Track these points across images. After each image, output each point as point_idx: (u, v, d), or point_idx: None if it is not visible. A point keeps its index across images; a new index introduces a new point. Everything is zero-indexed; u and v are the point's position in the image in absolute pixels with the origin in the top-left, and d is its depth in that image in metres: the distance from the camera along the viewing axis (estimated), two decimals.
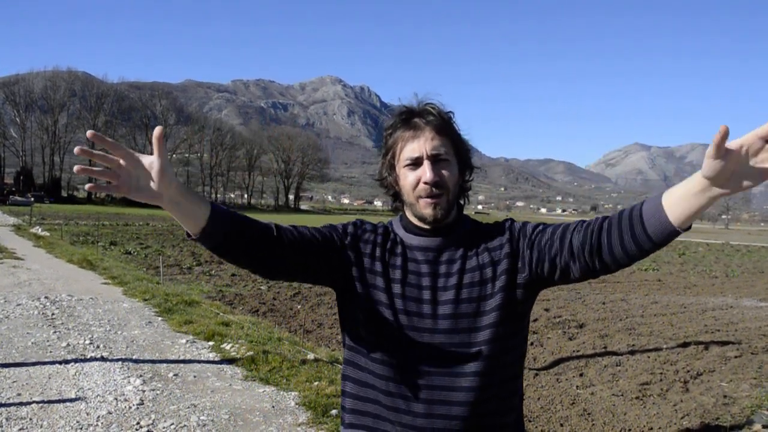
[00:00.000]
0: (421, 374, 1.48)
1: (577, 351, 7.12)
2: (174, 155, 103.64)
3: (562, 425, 4.81)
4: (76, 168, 1.18)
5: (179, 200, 1.30)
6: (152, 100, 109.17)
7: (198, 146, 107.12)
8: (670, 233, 1.27)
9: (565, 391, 5.58)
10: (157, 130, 1.22)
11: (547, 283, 1.53)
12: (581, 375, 6.17)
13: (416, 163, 1.51)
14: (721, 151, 1.08)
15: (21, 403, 4.54)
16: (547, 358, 6.77)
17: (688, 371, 6.42)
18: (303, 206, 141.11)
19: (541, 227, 1.55)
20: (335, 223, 1.67)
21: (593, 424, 4.84)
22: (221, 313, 8.10)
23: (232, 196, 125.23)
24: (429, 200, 1.50)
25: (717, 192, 1.15)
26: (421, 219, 1.53)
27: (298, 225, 1.57)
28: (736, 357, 7.13)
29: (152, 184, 1.26)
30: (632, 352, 7.20)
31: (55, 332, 6.79)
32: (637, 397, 5.49)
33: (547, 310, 9.99)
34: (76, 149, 1.17)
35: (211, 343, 6.57)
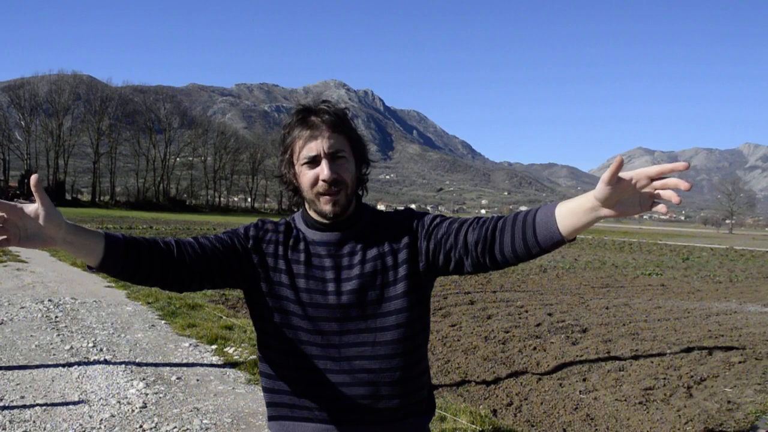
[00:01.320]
0: (332, 360, 1.57)
1: (580, 356, 7.11)
2: (178, 158, 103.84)
3: (564, 430, 4.80)
4: None
5: (71, 240, 1.35)
6: (156, 103, 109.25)
7: (202, 150, 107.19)
8: (556, 242, 1.38)
9: (568, 396, 5.57)
10: (33, 179, 1.23)
11: (442, 272, 1.61)
12: (584, 380, 6.16)
13: (314, 161, 1.56)
14: (614, 180, 1.22)
15: (24, 406, 4.55)
16: (550, 362, 6.75)
17: (692, 376, 6.40)
18: None
19: (438, 220, 1.63)
20: (238, 226, 1.72)
21: (596, 430, 4.83)
22: (224, 317, 8.11)
23: (236, 199, 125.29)
24: (328, 197, 1.56)
25: (604, 213, 1.29)
26: (321, 215, 1.59)
27: (200, 237, 1.63)
28: (740, 362, 7.11)
29: (41, 231, 1.29)
30: (636, 357, 7.18)
31: (58, 335, 6.81)
32: (640, 403, 5.47)
33: (550, 314, 9.97)
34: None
35: (214, 346, 6.58)
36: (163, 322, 7.87)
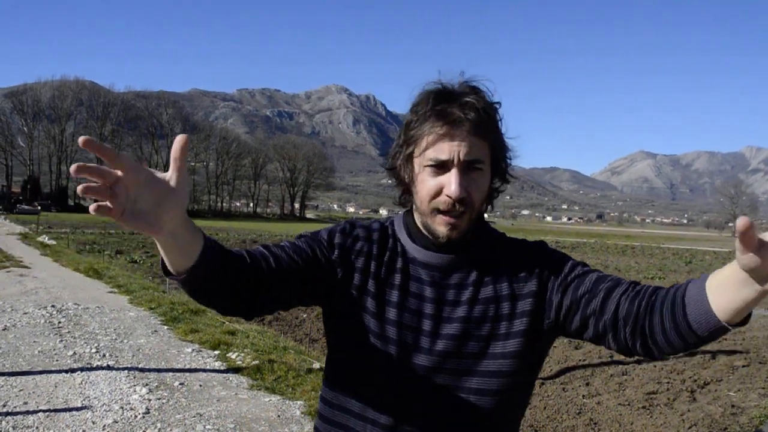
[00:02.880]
0: (406, 417, 1.24)
1: (584, 360, 7.10)
2: None
3: None
4: (79, 188, 0.87)
5: (181, 232, 1.00)
6: (158, 109, 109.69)
7: (204, 155, 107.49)
8: (715, 328, 1.00)
9: (572, 401, 5.55)
10: (182, 138, 0.92)
11: (569, 336, 1.27)
12: (587, 384, 6.14)
13: (442, 166, 1.20)
14: (752, 244, 0.86)
15: (27, 412, 4.55)
16: (553, 367, 6.74)
17: (696, 380, 6.38)
18: (309, 215, 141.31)
19: (579, 269, 1.26)
20: (322, 229, 1.38)
21: None
22: (227, 322, 8.11)
23: (238, 204, 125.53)
24: (447, 218, 1.21)
25: (759, 287, 0.92)
26: (433, 235, 1.25)
27: (273, 246, 1.26)
28: (744, 366, 7.09)
29: (156, 210, 0.92)
30: (639, 362, 7.16)
31: (61, 341, 6.81)
32: (643, 407, 5.46)
33: None
34: (72, 168, 0.84)
35: (216, 352, 6.58)
36: (165, 327, 7.87)
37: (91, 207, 0.88)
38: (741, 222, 0.84)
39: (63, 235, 26.79)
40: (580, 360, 7.08)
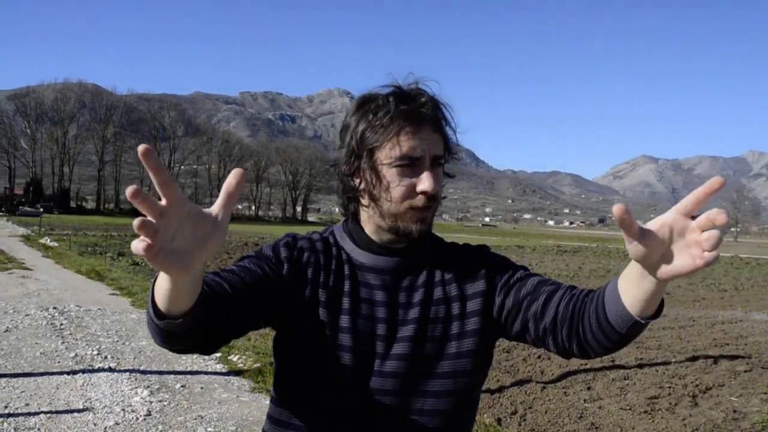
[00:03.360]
0: (365, 425, 1.21)
1: (585, 364, 7.08)
2: (182, 166, 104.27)
3: None
4: (135, 223, 0.74)
5: (200, 273, 0.93)
6: (161, 111, 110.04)
7: (206, 158, 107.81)
8: (631, 323, 1.02)
9: (573, 405, 5.55)
10: (239, 173, 0.83)
11: (510, 338, 1.28)
12: (589, 388, 6.13)
13: (412, 164, 1.19)
14: (634, 233, 0.86)
15: (29, 414, 4.55)
16: (554, 371, 6.73)
17: (697, 385, 6.37)
18: (310, 218, 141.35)
19: (521, 272, 1.28)
20: (263, 245, 1.32)
21: None
22: None
23: (240, 207, 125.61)
24: (420, 214, 1.21)
25: (653, 278, 0.92)
26: (404, 234, 1.23)
27: (222, 271, 1.18)
28: (746, 371, 7.08)
29: (193, 248, 0.82)
30: (640, 366, 7.15)
31: (63, 343, 6.82)
32: (645, 411, 5.45)
33: None
34: (129, 191, 0.73)
35: (218, 354, 6.58)
36: None
37: (134, 247, 0.76)
38: (616, 210, 0.84)
39: (65, 237, 26.83)
40: (581, 364, 7.07)
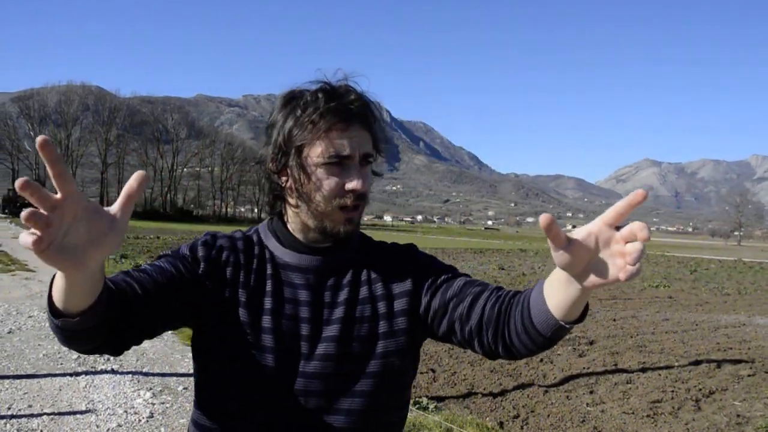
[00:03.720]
0: (288, 426, 1.18)
1: (587, 368, 7.07)
2: (185, 169, 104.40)
3: None
4: (22, 215, 0.74)
5: (97, 271, 0.89)
6: (164, 114, 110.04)
7: (209, 160, 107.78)
8: (555, 327, 1.02)
9: (575, 409, 5.54)
10: (141, 175, 0.84)
11: (434, 337, 1.26)
12: (591, 392, 6.12)
13: (341, 163, 1.17)
14: (560, 241, 0.87)
15: (32, 415, 4.56)
16: (557, 375, 6.72)
17: (700, 390, 6.36)
18: None
19: (448, 274, 1.26)
20: (181, 244, 1.28)
21: None
22: None
23: (243, 210, 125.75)
24: (348, 214, 1.19)
25: (583, 284, 0.92)
26: (331, 235, 1.22)
27: (133, 270, 1.15)
28: (749, 376, 7.06)
29: (88, 246, 0.81)
30: (643, 370, 7.14)
31: None
32: (648, 416, 5.44)
33: None
34: (18, 183, 0.73)
35: None
36: (169, 332, 7.88)
37: (23, 239, 0.74)
38: (543, 219, 0.85)
39: None
40: (584, 368, 7.06)
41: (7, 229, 36.79)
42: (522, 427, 5.05)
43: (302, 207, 1.21)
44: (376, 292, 1.25)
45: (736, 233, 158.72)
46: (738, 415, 5.55)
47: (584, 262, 0.89)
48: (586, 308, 1.03)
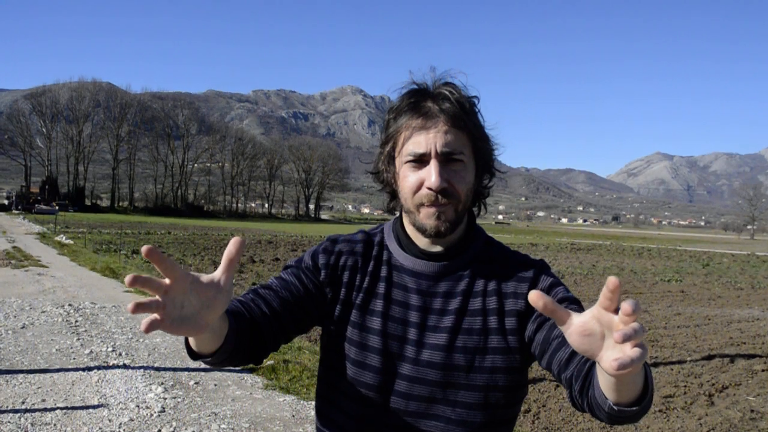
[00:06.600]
0: (388, 426, 1.22)
1: None
2: (195, 164, 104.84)
3: None
4: (129, 307, 0.81)
5: (216, 324, 1.01)
6: (175, 110, 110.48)
7: (219, 156, 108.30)
8: (609, 411, 0.96)
9: None
10: (238, 241, 0.90)
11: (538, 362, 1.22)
12: None
13: (420, 160, 1.18)
14: (561, 319, 0.85)
15: (45, 409, 4.60)
16: None
17: (713, 384, 6.31)
18: (323, 216, 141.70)
19: (566, 305, 1.19)
20: (304, 252, 1.36)
21: None
22: None
23: (253, 205, 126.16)
24: (432, 209, 1.18)
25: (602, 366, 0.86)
26: (420, 230, 1.22)
27: (261, 288, 1.26)
28: (763, 370, 7.00)
29: (202, 311, 0.90)
30: (655, 365, 7.10)
31: (78, 339, 6.88)
32: (660, 410, 5.41)
33: None
34: (127, 280, 0.80)
35: None
36: None
37: (144, 325, 0.82)
38: (531, 296, 0.84)
39: (80, 234, 27.09)
40: None
41: (21, 225, 37.11)
42: (533, 422, 5.03)
43: (402, 205, 1.26)
44: (489, 305, 1.23)
45: (749, 227, 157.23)
46: (752, 410, 5.51)
47: (596, 345, 0.85)
48: (646, 391, 0.94)
